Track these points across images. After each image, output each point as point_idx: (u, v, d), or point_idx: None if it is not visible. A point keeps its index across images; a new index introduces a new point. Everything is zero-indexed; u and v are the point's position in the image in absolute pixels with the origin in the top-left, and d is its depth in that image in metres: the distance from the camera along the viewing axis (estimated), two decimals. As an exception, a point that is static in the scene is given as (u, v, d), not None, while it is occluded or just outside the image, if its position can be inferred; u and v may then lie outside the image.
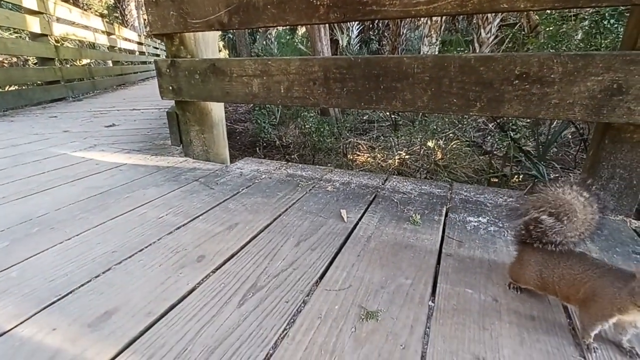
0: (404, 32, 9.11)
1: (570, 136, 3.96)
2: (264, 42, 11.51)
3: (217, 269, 1.13)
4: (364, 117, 5.82)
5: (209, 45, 2.06)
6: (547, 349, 0.82)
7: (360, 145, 4.64)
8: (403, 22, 8.94)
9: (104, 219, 1.47)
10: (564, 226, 0.87)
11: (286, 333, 0.87)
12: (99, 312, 0.95)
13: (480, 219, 1.42)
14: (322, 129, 4.65)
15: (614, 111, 1.21)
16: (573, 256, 0.87)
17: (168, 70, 2.02)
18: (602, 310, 0.77)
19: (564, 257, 0.88)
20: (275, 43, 11.97)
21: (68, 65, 7.89)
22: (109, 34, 8.89)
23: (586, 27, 3.79)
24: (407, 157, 3.90)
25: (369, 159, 4.21)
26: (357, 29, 10.22)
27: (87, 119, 3.96)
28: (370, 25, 11.01)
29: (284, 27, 14.37)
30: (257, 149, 4.83)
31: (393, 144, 4.22)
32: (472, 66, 1.34)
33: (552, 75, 1.24)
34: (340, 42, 9.71)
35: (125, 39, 10.62)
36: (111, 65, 9.41)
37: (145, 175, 2.00)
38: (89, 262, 1.17)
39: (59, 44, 7.21)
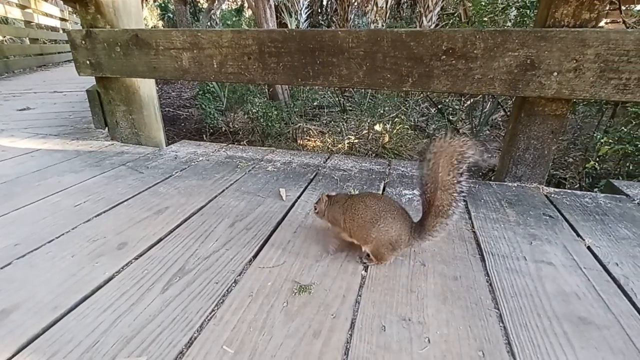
0: (352, 17, 9.15)
1: (500, 119, 4.32)
2: (208, 23, 10.82)
3: (140, 255, 1.04)
4: (314, 103, 5.77)
5: (132, 15, 1.84)
6: (466, 305, 0.87)
7: (310, 131, 4.61)
8: (351, 7, 8.94)
9: (7, 210, 1.28)
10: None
11: (213, 314, 0.83)
12: (-6, 311, 0.83)
13: (414, 191, 1.47)
14: (270, 114, 4.52)
15: (528, 85, 1.31)
16: None
17: (84, 42, 1.79)
18: None
19: None
20: (221, 24, 11.34)
21: (-29, 43, 6.76)
22: (23, 7, 7.75)
23: (512, 19, 4.11)
24: (356, 141, 3.95)
25: (319, 143, 4.20)
26: (306, 12, 10.03)
27: (-6, 103, 3.44)
28: (319, 10, 10.86)
29: (229, 8, 13.65)
30: (204, 135, 4.56)
31: (342, 129, 4.25)
32: (403, 41, 1.35)
33: (475, 51, 1.30)
34: (288, 25, 9.47)
35: (46, 14, 9.33)
36: (28, 43, 8.23)
37: (63, 161, 1.78)
38: (-16, 258, 1.01)
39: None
